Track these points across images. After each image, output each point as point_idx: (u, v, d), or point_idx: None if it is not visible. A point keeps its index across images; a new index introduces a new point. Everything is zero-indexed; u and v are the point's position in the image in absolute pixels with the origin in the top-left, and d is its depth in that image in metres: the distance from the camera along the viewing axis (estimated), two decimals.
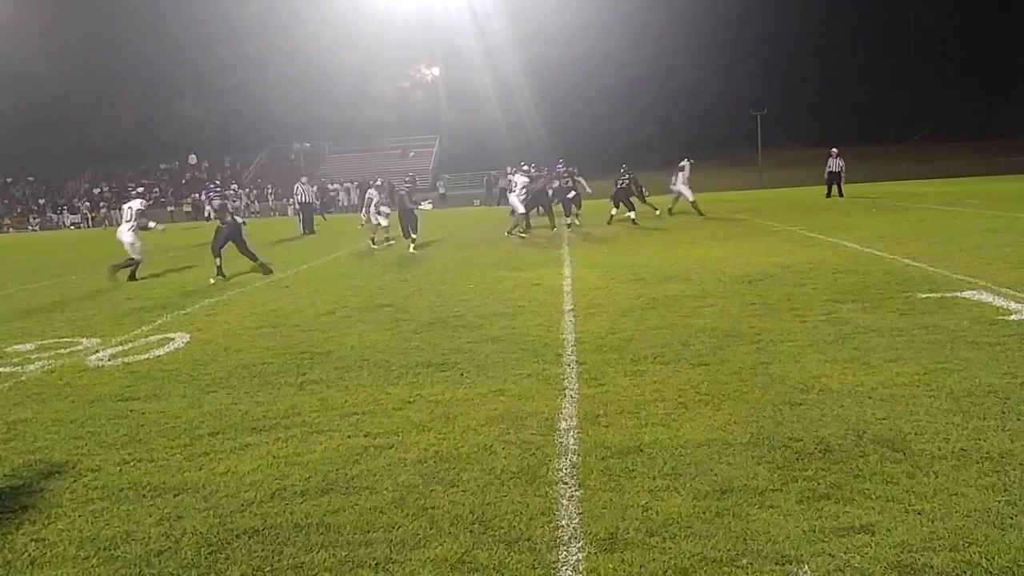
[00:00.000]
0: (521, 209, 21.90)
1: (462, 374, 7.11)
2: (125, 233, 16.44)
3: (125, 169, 69.69)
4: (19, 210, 63.90)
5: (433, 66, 75.14)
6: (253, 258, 15.99)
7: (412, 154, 65.27)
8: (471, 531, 4.06)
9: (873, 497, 4.15)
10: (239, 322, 10.45)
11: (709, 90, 75.09)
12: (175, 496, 4.70)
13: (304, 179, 31.42)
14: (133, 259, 16.31)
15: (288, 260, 18.68)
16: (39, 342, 9.88)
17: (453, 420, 5.83)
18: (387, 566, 3.77)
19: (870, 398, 5.73)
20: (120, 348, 9.19)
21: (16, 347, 9.65)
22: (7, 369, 8.42)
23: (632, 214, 23.76)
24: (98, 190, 65.21)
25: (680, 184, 25.96)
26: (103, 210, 58.38)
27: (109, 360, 8.57)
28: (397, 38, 67.25)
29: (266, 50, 66.46)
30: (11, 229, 57.49)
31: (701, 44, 74.67)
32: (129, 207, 16.81)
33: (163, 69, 74.20)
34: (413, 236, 19.43)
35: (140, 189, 15.60)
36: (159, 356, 8.61)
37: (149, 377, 7.67)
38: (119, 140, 72.16)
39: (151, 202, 59.74)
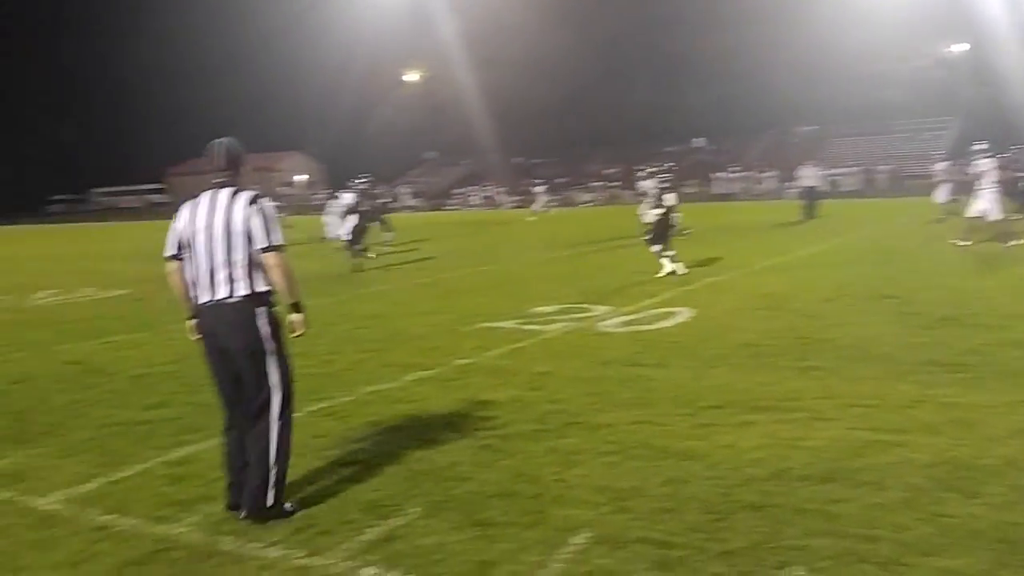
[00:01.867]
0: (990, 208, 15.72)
1: (979, 378, 6.45)
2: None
3: (634, 152, 74.23)
4: (545, 187, 71.42)
5: (957, 43, 68.23)
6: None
7: (928, 136, 60.25)
8: (993, 549, 3.69)
9: None
10: (740, 302, 10.60)
11: None
12: (681, 461, 4.94)
13: (809, 163, 30.69)
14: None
15: (788, 244, 18.45)
16: (559, 305, 11.01)
17: (970, 427, 5.32)
18: (894, 567, 3.58)
19: None
20: (629, 317, 9.87)
21: (540, 308, 10.85)
22: (533, 327, 9.51)
23: None
24: (610, 170, 70.29)
25: None
26: (614, 190, 62.82)
27: (619, 327, 9.26)
28: (909, 15, 62.25)
29: (775, 34, 65.87)
30: (533, 205, 64.50)
31: None
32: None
33: (677, 55, 77.45)
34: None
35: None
36: (665, 327, 9.09)
37: (655, 346, 8.14)
38: (631, 124, 77.00)
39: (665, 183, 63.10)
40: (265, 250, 4.36)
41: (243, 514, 4.32)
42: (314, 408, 6.45)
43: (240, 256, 4.36)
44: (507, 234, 28.38)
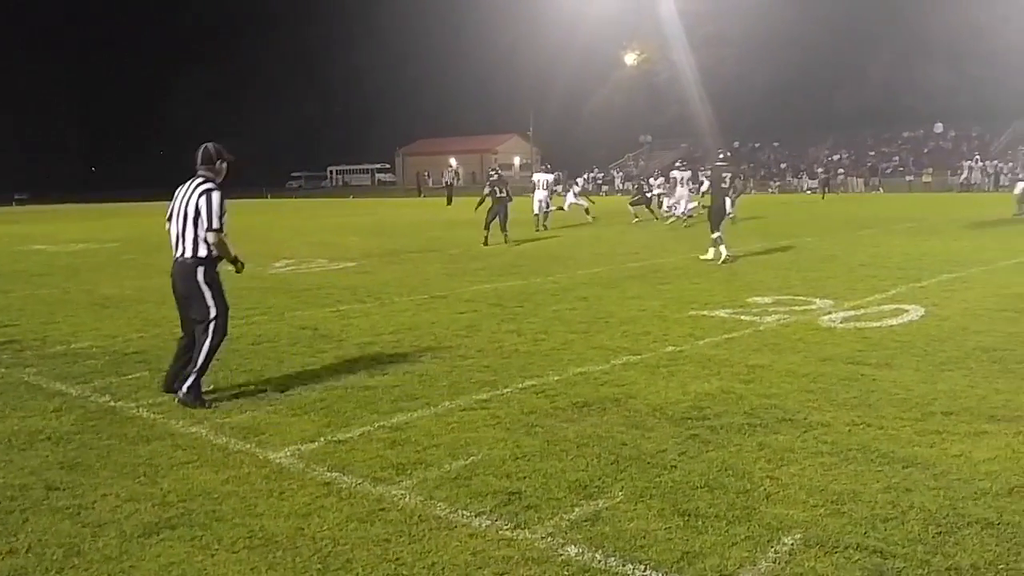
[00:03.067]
0: None
1: None
2: None
3: (866, 136, 70.14)
4: (763, 173, 69.00)
5: None
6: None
7: None
8: None
9: None
10: (979, 301, 9.81)
11: None
12: (904, 468, 4.65)
13: None
14: None
15: None
16: (776, 296, 10.62)
17: None
18: None
19: None
20: (852, 312, 9.38)
21: (756, 298, 10.52)
22: (748, 318, 9.24)
23: None
24: (837, 156, 66.87)
25: None
26: (841, 176, 59.70)
27: (841, 322, 8.82)
28: None
29: None
30: (754, 191, 62.50)
31: None
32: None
33: (917, 31, 72.23)
34: None
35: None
36: (892, 325, 8.56)
37: (881, 345, 7.69)
38: (863, 106, 72.76)
39: (889, 170, 59.40)
40: (207, 229, 6.11)
41: (177, 398, 6.16)
42: (523, 385, 6.60)
43: (190, 229, 6.16)
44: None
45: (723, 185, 15.21)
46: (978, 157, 55.34)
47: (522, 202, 23.81)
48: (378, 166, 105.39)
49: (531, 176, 32.53)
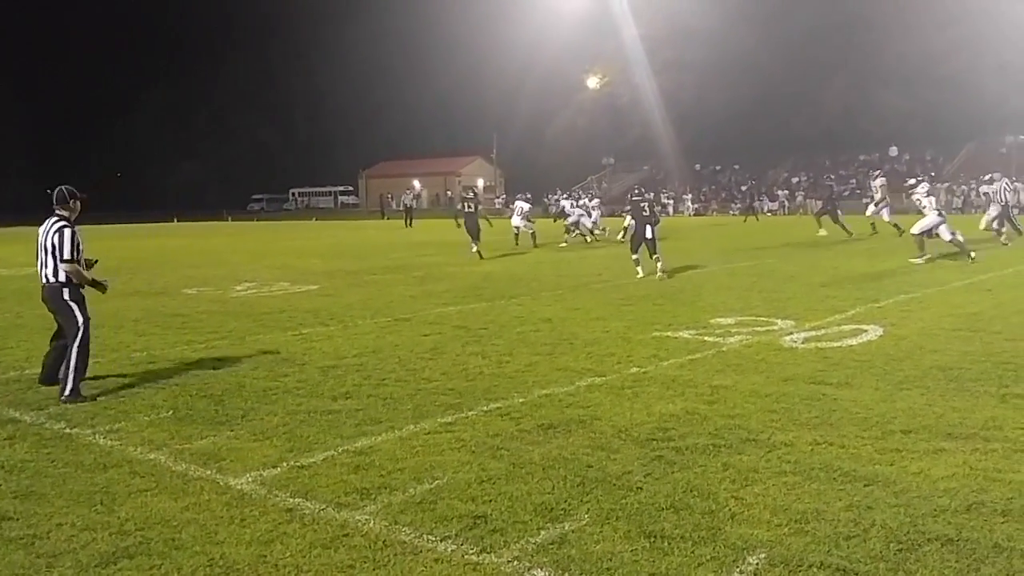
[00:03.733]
0: None
1: None
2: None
3: (823, 159, 71.31)
4: (723, 195, 69.79)
5: None
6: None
7: None
8: None
9: None
10: (935, 321, 9.97)
11: None
12: (865, 486, 4.70)
13: (1009, 177, 28.44)
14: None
15: (989, 262, 17.18)
16: (739, 317, 10.72)
17: None
18: None
19: None
20: (813, 333, 9.49)
21: (719, 319, 10.61)
22: (711, 339, 9.30)
23: None
24: (796, 179, 67.87)
25: None
26: (799, 199, 60.57)
27: (803, 343, 8.92)
28: None
29: (985, 34, 61.46)
30: (715, 212, 63.14)
31: None
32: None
33: (872, 58, 73.79)
34: None
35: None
36: (851, 345, 8.67)
37: (841, 365, 7.78)
38: (821, 130, 73.94)
39: (846, 192, 60.36)
40: (61, 260, 7.27)
41: (61, 400, 7.05)
42: (488, 407, 6.58)
43: (51, 260, 7.33)
44: (686, 242, 27.92)
45: (644, 214, 16.77)
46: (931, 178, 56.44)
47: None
48: (341, 188, 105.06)
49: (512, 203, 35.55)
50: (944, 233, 16.93)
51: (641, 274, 16.03)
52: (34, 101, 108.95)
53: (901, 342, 8.77)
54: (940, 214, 17.23)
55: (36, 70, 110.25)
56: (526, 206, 27.57)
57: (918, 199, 17.48)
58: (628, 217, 20.47)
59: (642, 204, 17.14)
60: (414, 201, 57.20)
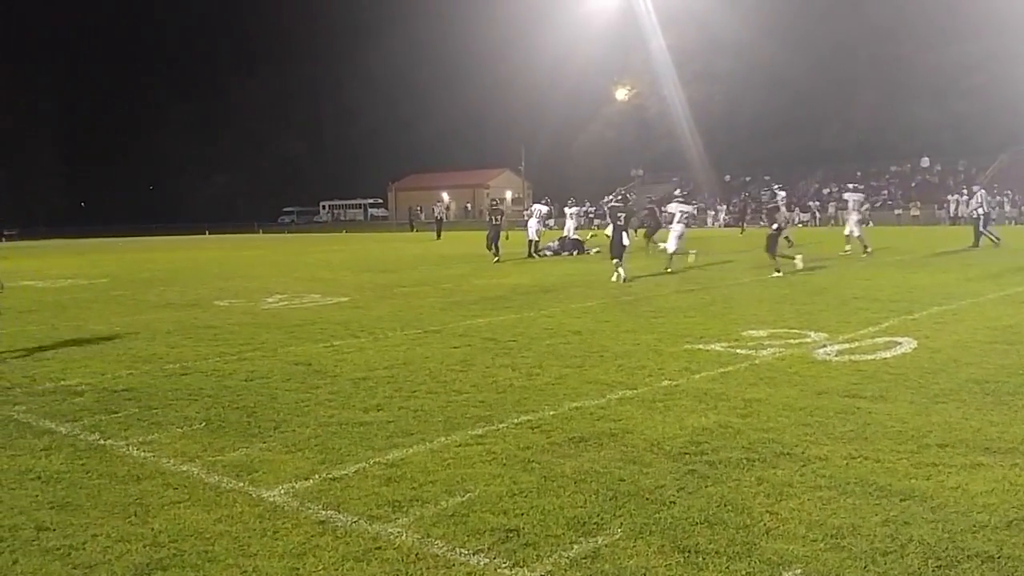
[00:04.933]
0: None
1: None
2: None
3: (854, 170, 70.68)
4: (754, 207, 69.34)
5: None
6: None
7: None
8: None
9: None
10: (970, 334, 9.83)
11: None
12: (901, 500, 4.63)
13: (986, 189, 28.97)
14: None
15: None
16: (771, 330, 10.62)
17: None
18: None
19: None
20: (847, 345, 9.38)
21: (751, 332, 10.52)
22: (744, 351, 9.23)
23: None
24: (827, 190, 67.30)
25: None
26: (831, 209, 60.02)
27: (836, 355, 8.82)
28: None
29: (1015, 47, 60.81)
30: (747, 224, 62.63)
31: None
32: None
33: (902, 70, 73.26)
34: None
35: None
36: (885, 358, 8.57)
37: (875, 378, 7.69)
38: (851, 141, 73.48)
39: (878, 204, 59.76)
40: None
41: None
42: (519, 420, 6.56)
43: None
44: (715, 253, 27.80)
45: (619, 223, 18.32)
46: (964, 190, 55.78)
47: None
48: (370, 201, 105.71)
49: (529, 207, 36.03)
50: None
51: (623, 277, 17.38)
52: (66, 115, 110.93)
53: (936, 355, 8.65)
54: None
55: (68, 85, 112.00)
56: (544, 209, 28.63)
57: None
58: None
59: (619, 212, 18.72)
60: (444, 213, 57.48)
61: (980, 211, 25.98)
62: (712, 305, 13.50)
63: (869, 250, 23.22)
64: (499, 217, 25.83)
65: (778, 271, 17.81)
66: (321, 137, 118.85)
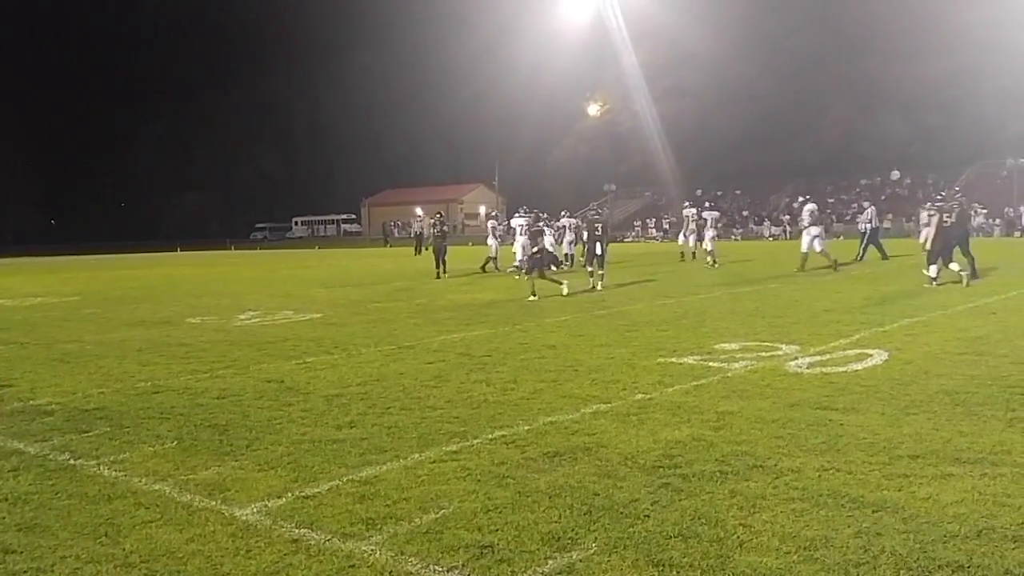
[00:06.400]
0: None
1: None
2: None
3: (825, 184, 71.50)
4: (724, 221, 69.91)
5: None
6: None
7: None
8: None
9: None
10: (940, 345, 9.95)
11: None
12: (873, 512, 4.67)
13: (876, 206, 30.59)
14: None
15: (994, 285, 17.19)
16: (743, 343, 10.70)
17: None
18: None
19: None
20: (818, 358, 9.47)
21: (724, 345, 10.59)
22: (716, 364, 9.28)
23: None
24: (797, 204, 67.94)
25: None
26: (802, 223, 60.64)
27: (808, 368, 8.89)
28: None
29: (984, 62, 61.94)
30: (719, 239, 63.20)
31: None
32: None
33: (872, 84, 74.32)
34: None
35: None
36: (856, 370, 8.65)
37: (847, 390, 7.76)
38: (823, 155, 74.39)
39: (848, 218, 60.29)
40: None
41: None
42: (493, 435, 6.55)
43: None
44: (693, 267, 27.96)
45: (596, 233, 19.06)
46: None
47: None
48: (343, 216, 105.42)
49: (508, 222, 35.11)
50: None
51: (600, 286, 18.47)
52: (38, 133, 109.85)
53: (907, 366, 8.74)
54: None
55: (40, 103, 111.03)
56: (524, 222, 25.53)
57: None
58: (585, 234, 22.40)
59: (596, 224, 19.60)
60: (422, 228, 57.26)
61: (869, 225, 28.26)
62: (685, 318, 13.57)
63: (717, 264, 26.62)
64: (442, 229, 26.85)
65: (534, 295, 17.45)
66: (295, 153, 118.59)
